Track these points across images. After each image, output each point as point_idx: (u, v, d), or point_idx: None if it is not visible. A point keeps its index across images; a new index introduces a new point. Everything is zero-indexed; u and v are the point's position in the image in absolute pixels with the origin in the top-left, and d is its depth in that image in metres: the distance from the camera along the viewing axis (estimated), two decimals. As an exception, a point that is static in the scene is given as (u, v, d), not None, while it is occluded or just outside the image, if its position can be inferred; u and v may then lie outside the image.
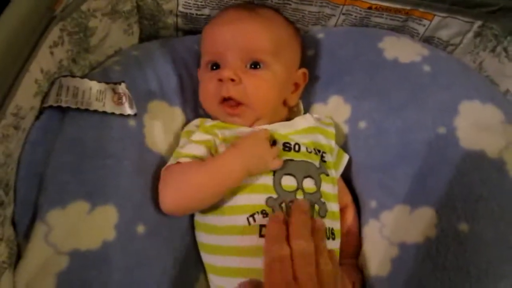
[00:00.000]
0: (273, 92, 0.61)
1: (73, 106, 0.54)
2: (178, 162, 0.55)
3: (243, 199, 0.54)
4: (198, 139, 0.58)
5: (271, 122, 0.62)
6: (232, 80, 0.58)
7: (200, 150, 0.56)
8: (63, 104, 0.53)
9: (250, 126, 0.61)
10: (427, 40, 0.72)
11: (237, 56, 0.59)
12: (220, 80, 0.58)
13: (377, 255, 0.58)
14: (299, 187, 0.56)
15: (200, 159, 0.55)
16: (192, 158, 0.55)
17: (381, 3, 0.67)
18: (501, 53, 0.68)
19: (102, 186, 0.51)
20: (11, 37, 0.46)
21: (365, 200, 0.64)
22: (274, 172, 0.55)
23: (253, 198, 0.54)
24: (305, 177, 0.56)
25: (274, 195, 0.54)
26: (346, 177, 0.66)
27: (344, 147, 0.66)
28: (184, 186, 0.53)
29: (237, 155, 0.54)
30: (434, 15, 0.67)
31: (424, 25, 0.70)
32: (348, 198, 0.65)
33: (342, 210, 0.63)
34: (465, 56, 0.72)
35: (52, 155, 0.50)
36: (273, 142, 0.58)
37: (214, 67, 0.62)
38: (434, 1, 0.65)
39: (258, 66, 0.59)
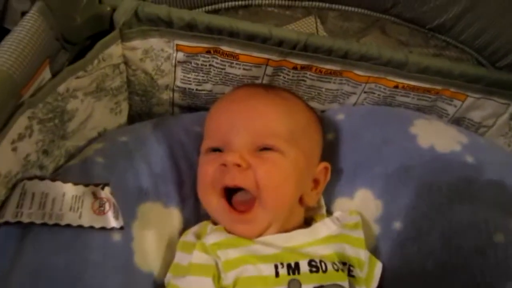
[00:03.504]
0: (289, 182, 0.49)
1: (38, 222, 0.41)
2: None
3: None
4: (198, 263, 0.45)
5: (287, 227, 0.50)
6: (238, 166, 0.47)
7: (202, 284, 0.44)
8: (24, 219, 0.40)
9: (261, 235, 0.49)
10: (457, 121, 0.64)
11: (245, 139, 0.49)
12: (224, 165, 0.47)
13: None
14: None
15: None
16: None
17: (409, 82, 0.59)
18: (541, 138, 0.60)
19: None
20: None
21: (407, 318, 0.52)
22: None
23: None
24: None
25: None
26: (380, 286, 0.54)
27: (374, 251, 0.55)
28: None
29: None
30: (467, 95, 0.60)
31: (455, 106, 0.62)
32: None
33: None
34: (498, 138, 0.65)
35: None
36: None
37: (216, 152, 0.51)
38: (468, 81, 0.58)
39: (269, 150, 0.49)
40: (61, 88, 0.47)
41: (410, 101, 0.62)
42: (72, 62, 0.48)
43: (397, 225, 0.54)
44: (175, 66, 0.58)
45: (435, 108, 0.64)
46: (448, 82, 0.59)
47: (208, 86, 0.61)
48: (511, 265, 0.47)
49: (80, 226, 0.42)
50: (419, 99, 0.62)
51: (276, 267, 0.45)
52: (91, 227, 0.42)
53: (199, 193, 0.52)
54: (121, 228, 0.44)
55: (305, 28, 0.61)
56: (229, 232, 0.49)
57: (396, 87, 0.60)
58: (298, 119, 0.53)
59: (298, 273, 0.45)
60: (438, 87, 0.60)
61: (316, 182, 0.54)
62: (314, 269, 0.46)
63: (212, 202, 0.49)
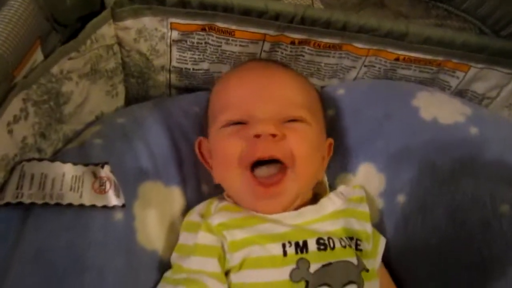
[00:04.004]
0: (317, 152, 0.50)
1: (39, 202, 0.40)
2: None
3: None
4: (203, 244, 0.45)
5: (300, 204, 0.49)
6: (273, 136, 0.45)
7: (206, 265, 0.43)
8: (25, 200, 0.40)
9: (280, 211, 0.47)
10: (460, 94, 0.63)
11: (272, 110, 0.47)
12: (257, 136, 0.45)
13: None
14: None
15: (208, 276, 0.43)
16: (197, 274, 0.42)
17: (410, 54, 0.58)
18: (547, 108, 0.59)
19: (78, 315, 0.37)
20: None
21: (411, 292, 0.52)
22: (307, 285, 0.42)
23: None
24: (345, 284, 0.44)
25: None
26: (385, 261, 0.54)
27: (379, 225, 0.54)
28: None
29: None
30: (470, 66, 0.59)
31: (458, 78, 0.61)
32: None
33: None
34: (502, 110, 0.64)
35: (9, 276, 0.36)
36: None
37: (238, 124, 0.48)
38: (471, 51, 0.57)
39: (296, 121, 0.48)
40: (55, 70, 0.46)
41: (411, 73, 0.61)
42: (64, 44, 0.48)
43: (401, 199, 0.53)
44: (170, 45, 0.57)
45: (437, 80, 0.62)
46: (450, 53, 0.57)
47: (205, 65, 0.60)
48: (516, 237, 0.46)
49: (82, 205, 0.41)
50: (421, 71, 0.60)
51: (284, 246, 0.44)
52: (93, 206, 0.42)
53: (218, 170, 0.50)
54: (123, 206, 0.44)
55: (301, 1, 0.60)
56: (240, 209, 0.48)
57: (397, 59, 0.59)
58: (311, 93, 0.53)
59: (306, 251, 0.44)
60: (440, 58, 0.58)
61: (322, 157, 0.53)
62: (322, 247, 0.45)
63: (235, 178, 0.47)
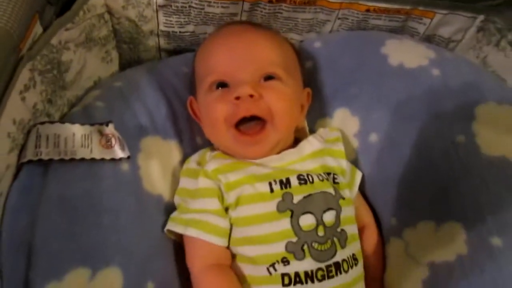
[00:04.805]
0: (294, 105, 0.55)
1: (56, 158, 0.47)
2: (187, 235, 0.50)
3: (261, 250, 0.49)
4: (204, 187, 0.52)
5: (281, 148, 0.56)
6: (251, 96, 0.51)
7: (209, 204, 0.51)
8: (44, 157, 0.46)
9: (264, 155, 0.54)
10: (428, 39, 0.68)
11: (250, 71, 0.52)
12: (237, 98, 0.51)
13: (405, 277, 0.54)
14: (320, 223, 0.51)
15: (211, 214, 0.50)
16: (201, 213, 0.50)
17: (379, 5, 0.62)
18: (506, 47, 0.65)
19: (101, 247, 0.44)
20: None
21: (384, 217, 0.60)
22: (292, 214, 0.50)
23: (272, 247, 0.49)
24: (325, 210, 0.51)
25: (294, 239, 0.49)
26: (362, 193, 0.62)
27: (355, 162, 0.62)
28: None
29: None
30: (435, 13, 0.64)
31: (425, 24, 0.66)
32: (369, 217, 0.60)
33: (363, 229, 0.59)
34: (468, 52, 0.69)
35: (38, 220, 0.43)
36: None
37: (221, 88, 0.54)
38: (435, -2, 0.61)
39: (272, 79, 0.53)
40: (54, 41, 0.50)
41: (382, 23, 0.66)
42: (59, 16, 0.52)
43: (373, 138, 0.60)
44: (156, 11, 0.61)
45: (407, 28, 0.67)
46: (416, 1, 0.62)
47: (190, 28, 0.65)
48: (469, 161, 0.53)
49: (93, 159, 0.48)
50: (391, 20, 0.65)
51: (270, 184, 0.51)
52: (102, 159, 0.48)
53: (207, 129, 0.56)
54: (128, 157, 0.50)
55: (276, -40, 0.63)
56: (230, 156, 0.54)
57: (368, 10, 0.63)
58: (287, 50, 0.58)
59: (290, 187, 0.51)
60: (407, 7, 0.63)
61: (302, 106, 0.59)
62: (302, 181, 0.52)
63: (224, 134, 0.53)
